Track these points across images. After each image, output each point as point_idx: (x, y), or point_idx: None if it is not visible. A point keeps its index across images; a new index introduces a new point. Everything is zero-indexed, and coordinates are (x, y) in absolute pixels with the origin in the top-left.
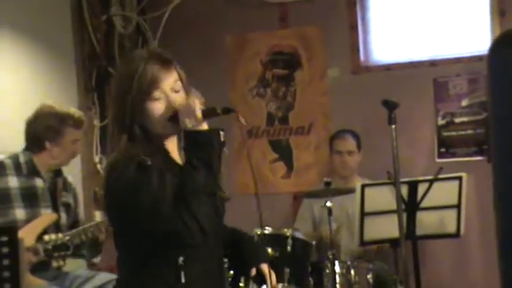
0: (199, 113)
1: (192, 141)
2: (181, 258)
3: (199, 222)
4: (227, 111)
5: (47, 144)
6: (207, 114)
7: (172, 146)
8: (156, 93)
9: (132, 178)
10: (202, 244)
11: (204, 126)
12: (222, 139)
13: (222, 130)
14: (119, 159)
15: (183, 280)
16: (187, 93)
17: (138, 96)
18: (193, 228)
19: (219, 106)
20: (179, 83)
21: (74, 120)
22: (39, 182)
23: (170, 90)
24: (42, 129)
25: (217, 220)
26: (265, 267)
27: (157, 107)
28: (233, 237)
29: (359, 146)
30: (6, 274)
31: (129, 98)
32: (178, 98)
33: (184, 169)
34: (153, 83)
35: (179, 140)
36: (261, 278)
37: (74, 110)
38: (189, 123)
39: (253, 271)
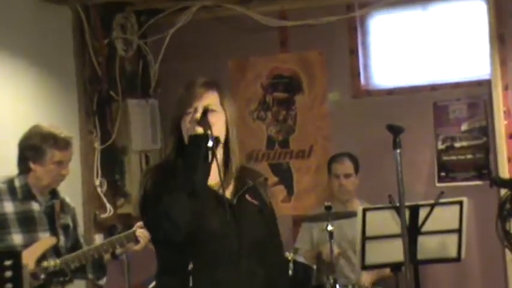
0: (197, 116)
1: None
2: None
3: (171, 218)
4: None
5: (31, 164)
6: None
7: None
8: (189, 110)
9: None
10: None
11: (198, 130)
12: (210, 144)
13: (215, 137)
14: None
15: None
16: (229, 120)
17: (177, 112)
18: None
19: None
20: (216, 106)
21: (56, 140)
22: (35, 206)
23: (203, 108)
24: (25, 148)
25: (235, 226)
26: None
27: (187, 122)
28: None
29: (356, 169)
30: None
31: (173, 114)
32: (210, 117)
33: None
34: (185, 101)
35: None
36: None
37: (60, 131)
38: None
39: None
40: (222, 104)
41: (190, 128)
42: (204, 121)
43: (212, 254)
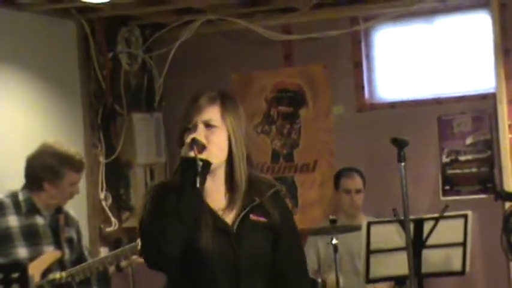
0: (188, 139)
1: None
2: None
3: (160, 247)
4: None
5: (45, 185)
6: (193, 145)
7: (212, 182)
8: (189, 125)
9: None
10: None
11: (190, 154)
12: (199, 169)
13: (204, 161)
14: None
15: None
16: (232, 135)
17: (182, 126)
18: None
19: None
20: (217, 121)
21: (74, 163)
22: (39, 220)
23: (203, 123)
24: (41, 168)
25: (227, 249)
26: None
27: (185, 139)
28: None
29: (365, 184)
30: None
31: (179, 128)
32: (210, 134)
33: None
34: (187, 116)
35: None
36: None
37: (74, 152)
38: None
39: None
40: (223, 118)
41: (183, 149)
42: (194, 143)
43: (210, 277)
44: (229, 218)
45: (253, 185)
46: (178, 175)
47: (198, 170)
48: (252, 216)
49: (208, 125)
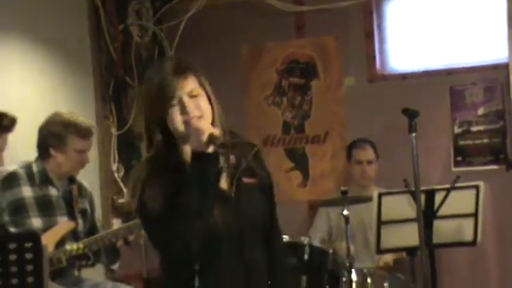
0: (204, 138)
1: (193, 160)
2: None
3: (187, 246)
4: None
5: (52, 151)
6: (212, 141)
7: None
8: (173, 101)
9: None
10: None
11: (209, 149)
12: (219, 165)
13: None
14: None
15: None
16: (211, 97)
17: (158, 104)
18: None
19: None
20: (198, 89)
21: (78, 128)
22: (52, 191)
23: (188, 96)
24: (48, 135)
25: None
26: None
27: (174, 114)
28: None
29: (377, 155)
30: (30, 279)
31: (151, 108)
32: (198, 103)
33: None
34: (165, 92)
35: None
36: None
37: (82, 120)
38: (193, 142)
39: None
40: (200, 83)
41: (191, 139)
42: (213, 139)
43: (216, 248)
44: (222, 183)
45: (236, 146)
46: (162, 152)
47: (218, 166)
48: (245, 179)
49: (192, 96)
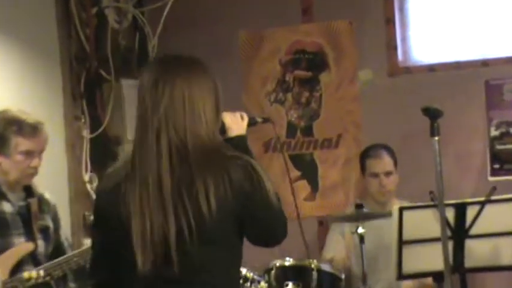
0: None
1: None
2: None
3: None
4: (266, 120)
5: None
6: (249, 124)
7: None
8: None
9: None
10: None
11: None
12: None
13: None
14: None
15: None
16: None
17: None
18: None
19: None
20: None
21: (21, 126)
22: (6, 207)
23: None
24: None
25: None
26: None
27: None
28: None
29: (396, 164)
30: None
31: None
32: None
33: None
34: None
35: None
36: None
37: (28, 117)
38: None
39: None
40: None
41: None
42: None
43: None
44: None
45: None
46: None
47: None
48: None
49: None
